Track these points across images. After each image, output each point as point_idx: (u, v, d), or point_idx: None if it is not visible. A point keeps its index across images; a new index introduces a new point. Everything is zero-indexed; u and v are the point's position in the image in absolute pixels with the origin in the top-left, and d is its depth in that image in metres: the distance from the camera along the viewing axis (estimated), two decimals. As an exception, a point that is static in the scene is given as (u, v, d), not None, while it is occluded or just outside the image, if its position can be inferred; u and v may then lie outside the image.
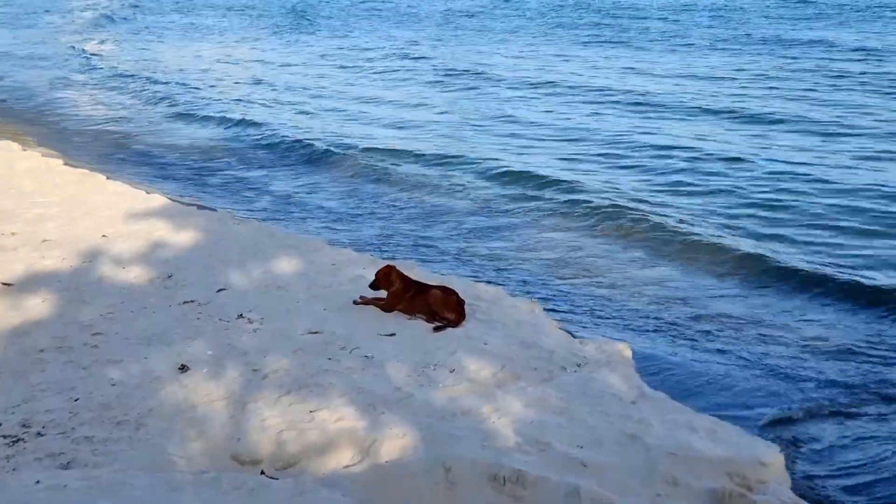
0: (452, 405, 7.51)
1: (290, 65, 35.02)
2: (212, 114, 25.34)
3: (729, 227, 13.80)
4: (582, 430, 7.15)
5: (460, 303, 9.41)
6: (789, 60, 29.88)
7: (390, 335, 8.97)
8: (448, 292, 9.48)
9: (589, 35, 39.64)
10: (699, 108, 23.14)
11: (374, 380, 7.93)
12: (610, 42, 37.24)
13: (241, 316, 9.40)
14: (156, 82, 31.20)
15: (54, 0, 65.34)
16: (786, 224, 13.83)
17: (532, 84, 28.02)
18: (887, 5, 43.90)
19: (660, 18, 44.53)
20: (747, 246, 12.73)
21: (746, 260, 12.20)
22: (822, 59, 29.79)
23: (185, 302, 9.84)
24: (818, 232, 13.42)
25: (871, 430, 7.91)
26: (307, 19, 51.46)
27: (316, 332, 8.98)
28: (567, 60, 32.75)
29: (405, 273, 9.78)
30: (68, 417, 7.19)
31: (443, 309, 9.31)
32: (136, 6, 61.51)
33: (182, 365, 8.16)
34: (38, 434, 6.95)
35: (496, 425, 7.15)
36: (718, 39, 36.18)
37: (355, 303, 9.83)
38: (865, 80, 25.78)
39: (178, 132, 23.53)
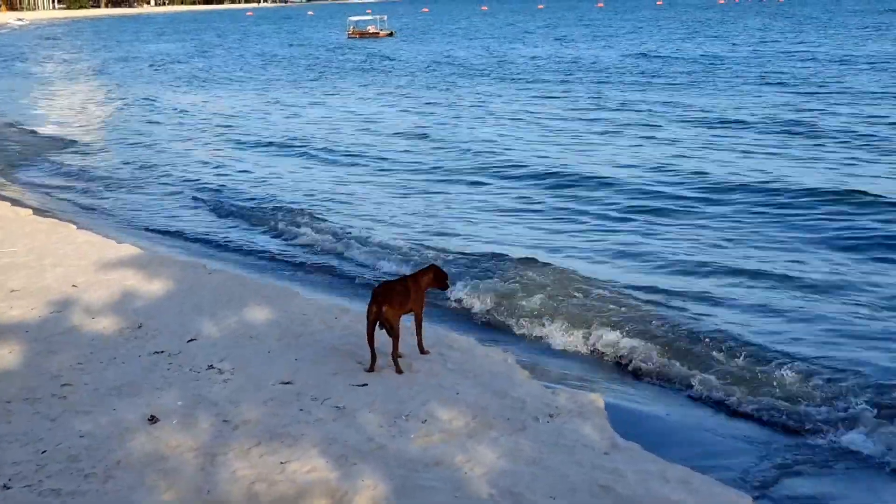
0: (425, 456, 7.48)
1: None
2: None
3: (698, 270, 13.91)
4: (555, 480, 7.14)
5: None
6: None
7: (362, 385, 8.93)
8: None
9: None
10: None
11: (346, 430, 7.89)
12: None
13: (211, 366, 9.35)
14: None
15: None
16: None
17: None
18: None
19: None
20: (710, 290, 12.87)
21: (712, 306, 12.31)
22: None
23: (155, 352, 9.77)
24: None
25: (842, 487, 7.92)
26: None
27: (287, 383, 8.94)
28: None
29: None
30: (35, 469, 7.09)
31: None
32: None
33: (152, 416, 8.08)
34: (5, 487, 6.84)
35: (469, 476, 7.13)
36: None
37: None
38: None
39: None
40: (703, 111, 31.86)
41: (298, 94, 44.87)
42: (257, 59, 71.64)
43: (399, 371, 9.24)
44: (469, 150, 26.12)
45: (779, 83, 39.41)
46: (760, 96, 35.25)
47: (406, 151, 26.79)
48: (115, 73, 62.17)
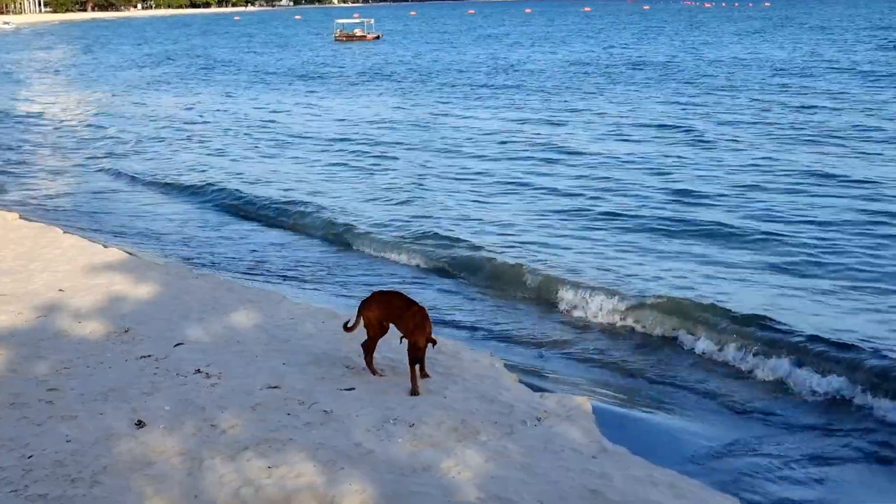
0: (413, 460, 7.46)
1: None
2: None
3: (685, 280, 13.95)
4: (543, 484, 7.14)
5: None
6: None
7: (350, 389, 8.91)
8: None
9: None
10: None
11: (333, 435, 7.86)
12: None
13: (198, 371, 9.31)
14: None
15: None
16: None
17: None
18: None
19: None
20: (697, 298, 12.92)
21: (699, 313, 12.36)
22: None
23: (142, 357, 9.72)
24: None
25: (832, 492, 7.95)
26: None
27: (275, 387, 8.91)
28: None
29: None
30: (21, 475, 7.04)
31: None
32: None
33: (139, 420, 8.05)
34: (-10, 492, 6.80)
35: (457, 480, 7.12)
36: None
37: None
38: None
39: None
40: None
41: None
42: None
43: (374, 373, 9.30)
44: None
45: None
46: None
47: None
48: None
